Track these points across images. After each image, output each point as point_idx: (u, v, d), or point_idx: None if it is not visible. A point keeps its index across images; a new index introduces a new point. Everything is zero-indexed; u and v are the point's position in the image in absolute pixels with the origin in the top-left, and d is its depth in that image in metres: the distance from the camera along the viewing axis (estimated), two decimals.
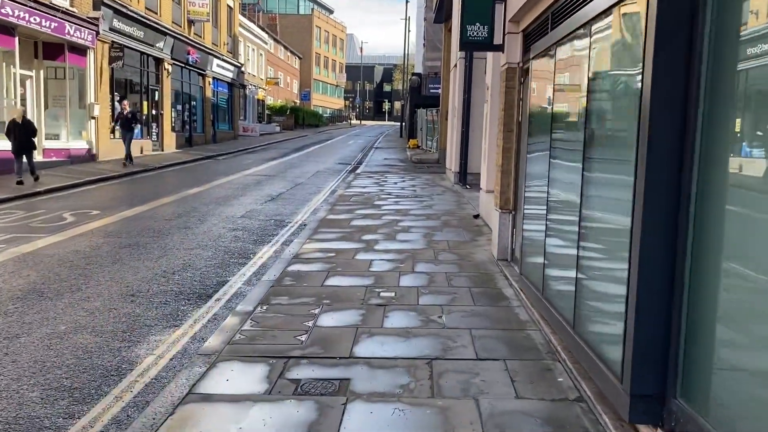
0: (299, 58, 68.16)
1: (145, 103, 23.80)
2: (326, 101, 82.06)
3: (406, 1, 54.76)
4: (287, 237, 9.26)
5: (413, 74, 38.52)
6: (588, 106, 3.99)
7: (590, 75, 3.97)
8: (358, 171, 20.66)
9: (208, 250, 8.24)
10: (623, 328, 3.23)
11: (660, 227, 3.00)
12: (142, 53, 23.16)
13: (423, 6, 50.91)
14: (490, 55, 10.37)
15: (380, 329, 4.92)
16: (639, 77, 3.11)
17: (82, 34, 18.32)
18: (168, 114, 25.62)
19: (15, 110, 14.47)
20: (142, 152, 23.03)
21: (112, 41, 20.21)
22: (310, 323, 5.04)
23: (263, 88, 50.27)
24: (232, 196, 13.77)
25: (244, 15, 46.66)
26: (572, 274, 4.20)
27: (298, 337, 4.71)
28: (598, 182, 3.87)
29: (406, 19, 53.04)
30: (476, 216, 10.57)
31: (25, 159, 13.85)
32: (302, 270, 6.83)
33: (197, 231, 9.56)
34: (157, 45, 24.06)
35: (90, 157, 19.28)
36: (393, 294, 5.87)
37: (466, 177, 15.60)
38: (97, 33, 19.14)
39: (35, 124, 14.70)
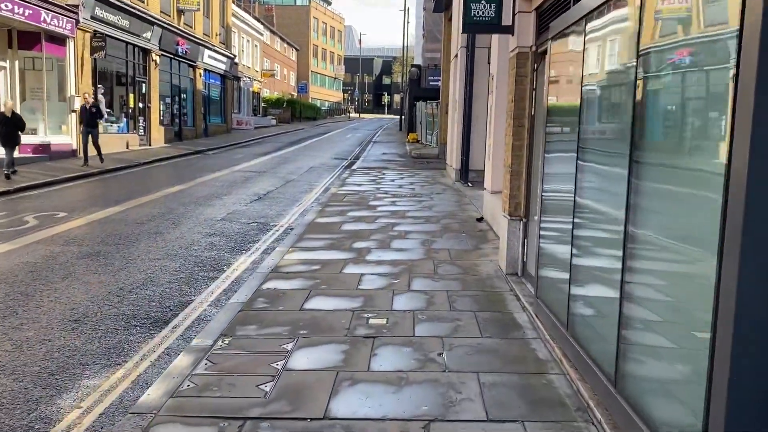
0: (296, 49, 66.98)
1: (131, 96, 22.76)
2: (324, 94, 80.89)
3: None
4: (269, 244, 8.28)
5: (412, 66, 37.47)
6: (639, 95, 3.01)
7: (642, 50, 2.98)
8: (354, 167, 19.67)
9: (177, 261, 7.27)
10: (704, 394, 2.27)
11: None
12: (127, 43, 22.09)
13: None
14: (495, 40, 9.37)
15: (366, 373, 3.95)
16: (730, 45, 2.13)
17: (60, 22, 17.26)
18: (156, 107, 24.58)
19: (7, 103, 14.15)
20: (128, 147, 22.03)
21: (94, 30, 19.15)
22: (279, 364, 4.07)
23: (258, 81, 49.17)
24: (216, 195, 12.78)
25: (238, 5, 45.53)
26: (613, 308, 3.23)
27: (262, 387, 3.74)
28: (654, 194, 2.90)
29: (405, 10, 51.90)
30: (480, 219, 9.60)
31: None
32: (280, 288, 5.86)
33: (169, 237, 8.58)
34: (144, 35, 23.00)
35: (71, 153, 18.25)
36: (384, 321, 4.90)
37: (468, 174, 14.61)
38: (77, 21, 18.08)
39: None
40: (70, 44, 18.13)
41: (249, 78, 45.44)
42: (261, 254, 7.70)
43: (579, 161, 3.92)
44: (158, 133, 24.79)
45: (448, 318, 4.99)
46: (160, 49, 24.55)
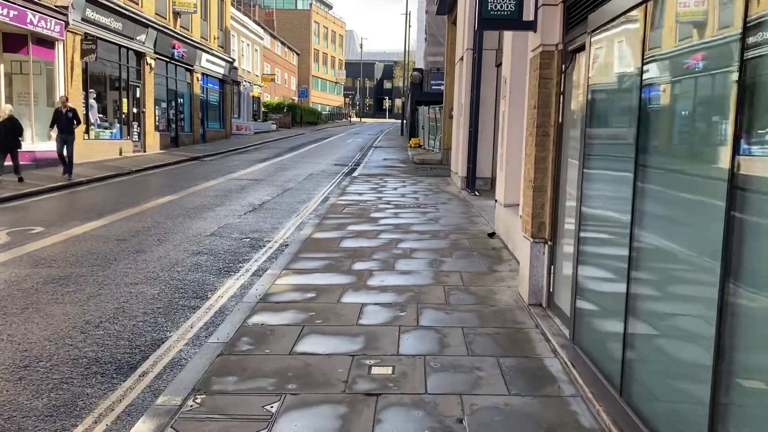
0: (297, 54, 66.35)
1: (125, 101, 22.02)
2: (325, 98, 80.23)
3: None
4: (261, 264, 7.49)
5: (414, 70, 36.75)
6: (745, 94, 2.22)
7: (752, 19, 2.19)
8: (355, 174, 18.90)
9: (156, 286, 6.48)
10: None
11: None
12: (120, 46, 21.37)
13: (424, 0, 49.19)
14: (507, 40, 8.60)
15: None
16: None
17: (49, 24, 16.54)
18: (151, 112, 23.84)
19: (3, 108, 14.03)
20: (121, 154, 21.29)
21: (85, 33, 18.43)
22: None
23: (259, 85, 48.48)
24: (208, 205, 12.00)
25: (238, 9, 44.90)
26: (701, 375, 2.44)
27: None
28: None
29: (406, 14, 51.23)
30: (491, 234, 8.80)
31: None
32: (268, 323, 5.07)
33: (151, 256, 7.79)
34: (138, 38, 22.27)
35: (60, 161, 17.46)
36: (390, 371, 4.10)
37: (475, 182, 13.83)
38: (67, 23, 17.35)
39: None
40: (59, 47, 17.39)
41: (249, 82, 44.75)
42: (251, 277, 6.92)
43: (639, 182, 3.13)
44: (153, 139, 24.05)
45: (467, 366, 4.19)
46: (156, 53, 23.83)
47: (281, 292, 5.95)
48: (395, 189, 14.81)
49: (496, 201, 9.27)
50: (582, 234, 4.18)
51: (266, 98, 53.74)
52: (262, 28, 49.87)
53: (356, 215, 10.64)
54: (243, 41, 42.99)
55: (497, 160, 9.10)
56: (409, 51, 56.42)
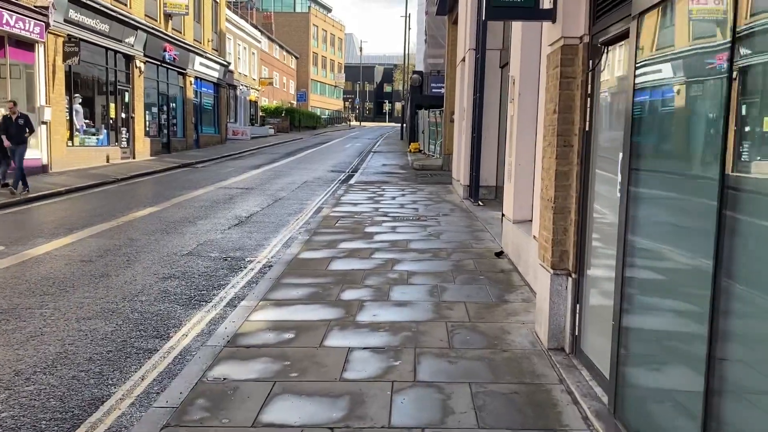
0: (296, 57, 65.58)
1: (112, 106, 21.16)
2: (324, 102, 79.44)
3: None
4: (237, 291, 6.59)
5: (414, 72, 35.91)
6: None
7: None
8: (351, 181, 18.01)
9: (113, 321, 5.57)
10: None
11: None
12: (108, 49, 20.52)
13: (424, 2, 48.32)
14: (516, 34, 7.71)
15: None
16: None
17: (27, 25, 15.68)
18: (141, 117, 22.97)
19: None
20: (108, 161, 20.42)
21: (68, 34, 17.57)
22: None
23: (256, 89, 47.65)
24: (190, 219, 11.09)
25: (235, 12, 44.11)
26: None
27: None
28: None
29: (406, 15, 50.44)
30: (499, 254, 7.88)
31: None
32: (232, 377, 4.16)
33: (115, 282, 6.89)
34: (127, 40, 21.42)
35: (41, 168, 16.61)
36: None
37: (478, 191, 12.93)
38: (47, 25, 16.49)
39: None
40: (40, 49, 16.53)
41: (246, 86, 43.93)
42: (224, 308, 6.01)
43: (728, 212, 2.22)
44: (143, 146, 23.18)
45: None
46: (145, 56, 22.98)
47: (254, 331, 5.04)
48: (393, 198, 13.91)
49: (503, 215, 8.36)
50: (629, 272, 3.28)
51: (264, 102, 52.93)
52: (260, 31, 49.07)
53: (350, 230, 9.73)
54: (239, 44, 42.18)
55: (505, 170, 8.21)
56: (408, 54, 55.61)
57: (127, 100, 22.14)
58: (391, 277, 6.79)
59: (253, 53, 46.50)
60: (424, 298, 6.00)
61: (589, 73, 4.23)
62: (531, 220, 7.34)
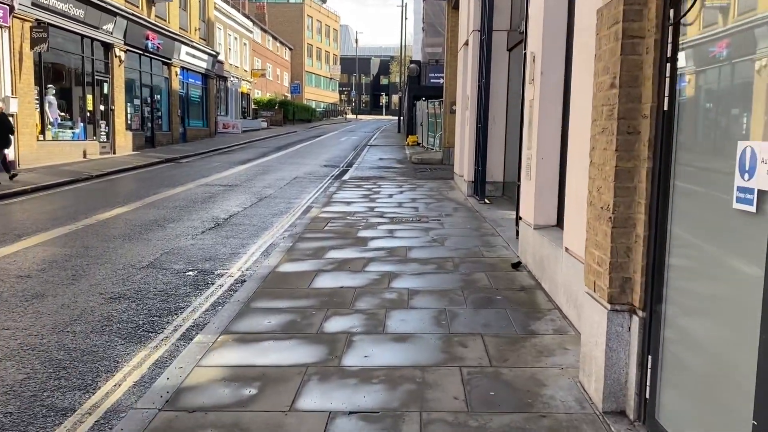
0: (290, 49, 64.07)
1: (89, 97, 19.78)
2: (319, 95, 77.96)
3: None
4: (196, 318, 5.32)
5: (411, 62, 34.55)
6: None
7: None
8: (346, 177, 16.74)
9: (26, 365, 4.30)
10: None
11: None
12: (84, 36, 19.14)
13: None
14: (536, 5, 6.42)
15: None
16: None
17: None
18: (121, 109, 21.62)
19: None
20: (85, 156, 19.09)
21: (36, 19, 16.19)
22: None
23: (248, 81, 46.23)
24: (161, 221, 9.81)
25: (226, 2, 42.67)
26: None
27: None
28: None
29: (402, 4, 49.02)
30: (516, 265, 6.62)
31: None
32: None
33: (49, 305, 5.61)
34: (105, 27, 20.04)
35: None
36: None
37: (484, 188, 11.67)
38: (11, 8, 15.11)
39: None
40: (4, 35, 15.16)
41: (237, 78, 42.52)
42: (175, 343, 4.75)
43: None
44: (125, 140, 21.83)
45: None
46: (126, 44, 21.60)
47: (205, 384, 3.77)
48: (390, 196, 12.64)
49: (519, 218, 7.09)
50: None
51: (257, 95, 51.52)
52: (251, 21, 47.60)
53: (341, 234, 8.46)
54: (230, 34, 40.74)
55: (522, 165, 6.93)
56: (405, 46, 54.19)
57: (106, 91, 20.77)
58: (388, 297, 5.53)
59: (245, 44, 45.05)
60: (430, 328, 4.73)
61: (669, 28, 2.95)
62: (556, 225, 6.09)
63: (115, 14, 20.40)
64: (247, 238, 8.73)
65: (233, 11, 41.08)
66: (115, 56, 20.96)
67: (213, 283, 6.43)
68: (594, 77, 3.58)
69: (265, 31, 54.23)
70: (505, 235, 8.16)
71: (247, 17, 46.77)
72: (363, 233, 8.53)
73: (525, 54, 7.60)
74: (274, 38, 57.92)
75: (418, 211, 10.71)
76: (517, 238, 7.79)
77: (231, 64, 41.04)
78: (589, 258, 3.63)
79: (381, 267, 6.61)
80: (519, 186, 7.67)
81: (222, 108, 38.69)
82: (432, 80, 31.06)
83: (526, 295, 5.60)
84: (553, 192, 6.16)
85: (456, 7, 19.60)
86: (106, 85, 20.73)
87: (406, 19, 53.88)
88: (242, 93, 44.89)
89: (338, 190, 13.50)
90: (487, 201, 11.52)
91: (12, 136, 13.84)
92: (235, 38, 42.16)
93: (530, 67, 6.48)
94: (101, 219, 9.95)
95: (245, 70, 45.46)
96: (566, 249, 4.99)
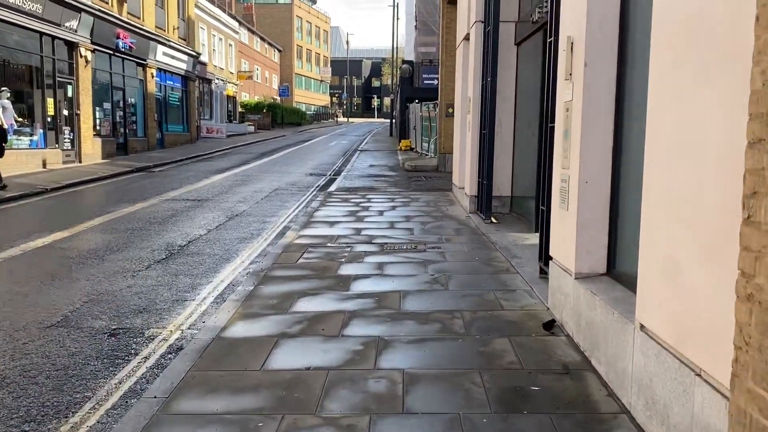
0: (279, 50, 62.32)
1: (50, 101, 17.96)
2: (310, 97, 76.20)
3: None
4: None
5: (404, 62, 32.90)
6: None
7: None
8: (332, 188, 15.04)
9: None
10: None
11: None
12: (43, 34, 17.34)
13: None
14: None
15: None
16: None
17: None
18: (88, 114, 19.80)
19: None
20: (45, 166, 17.29)
21: None
22: None
23: (234, 83, 44.44)
24: (102, 251, 8.06)
25: (212, 2, 40.89)
26: None
27: None
28: None
29: (394, 2, 47.40)
30: (549, 324, 4.90)
31: None
32: None
33: None
34: (67, 24, 18.25)
35: None
36: None
37: (490, 204, 9.99)
38: None
39: None
40: None
41: (222, 80, 40.74)
42: None
43: None
44: (92, 147, 20.02)
45: None
46: (93, 43, 19.81)
47: None
48: (381, 213, 10.93)
49: (549, 257, 5.39)
50: None
51: (245, 98, 49.75)
52: (238, 21, 45.84)
53: (317, 271, 6.74)
54: (215, 35, 38.97)
55: (554, 189, 5.22)
56: (397, 48, 52.55)
57: (70, 94, 18.96)
58: (374, 390, 3.80)
59: (231, 45, 43.27)
60: None
61: None
62: (606, 274, 4.41)
63: (79, 10, 18.61)
64: (202, 275, 6.99)
65: (217, 11, 39.32)
66: (81, 56, 19.16)
67: (136, 354, 4.70)
68: (754, 58, 1.89)
69: (252, 32, 52.48)
70: (525, 272, 6.47)
71: (233, 17, 45.01)
72: (345, 269, 6.81)
73: (551, 43, 5.93)
74: (262, 40, 56.16)
75: (414, 234, 9.01)
76: (541, 276, 6.11)
77: (216, 66, 39.27)
78: (745, 401, 1.93)
79: (366, 328, 4.89)
80: (544, 212, 5.98)
81: (206, 111, 36.93)
82: (426, 81, 29.44)
83: (573, 383, 3.89)
84: (603, 229, 4.48)
85: (452, 1, 17.96)
86: (70, 88, 18.92)
87: (398, 19, 52.28)
88: (228, 96, 43.11)
89: (322, 206, 11.78)
90: (493, 220, 9.85)
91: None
92: (220, 39, 40.39)
93: (565, 57, 4.79)
94: (28, 249, 8.18)
95: (231, 72, 43.68)
96: (641, 326, 3.30)
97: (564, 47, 4.78)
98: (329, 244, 8.16)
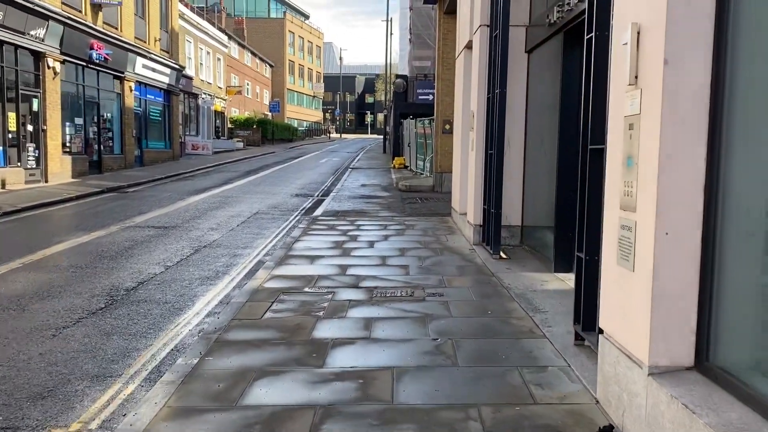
0: (270, 66, 61.11)
1: (11, 115, 16.47)
2: (302, 113, 74.96)
3: None
4: None
5: (398, 77, 31.66)
6: None
7: None
8: (318, 211, 13.59)
9: None
10: None
11: None
12: (4, 43, 15.91)
13: (406, 8, 44.16)
14: None
15: None
16: None
17: None
18: (56, 130, 18.31)
19: None
20: (4, 187, 15.75)
21: None
22: None
23: (222, 98, 43.08)
24: (27, 297, 6.54)
25: (200, 15, 39.67)
26: None
27: None
28: None
29: (387, 8, 46.35)
30: (607, 431, 3.43)
31: None
32: None
33: None
34: (33, 32, 16.83)
35: None
36: None
37: (499, 237, 8.54)
38: None
39: None
40: None
41: (209, 95, 39.38)
42: None
43: None
44: (60, 166, 18.50)
45: None
46: (63, 53, 18.38)
47: None
48: (372, 245, 9.47)
49: (601, 332, 3.93)
50: None
51: (234, 113, 48.39)
52: (227, 35, 44.61)
53: (286, 333, 5.26)
54: (202, 48, 37.69)
55: (607, 238, 3.77)
56: (390, 64, 51.47)
57: (36, 108, 17.49)
58: None
59: (219, 59, 41.98)
60: None
61: None
62: (694, 367, 2.96)
63: (46, 17, 17.21)
64: (141, 335, 5.49)
65: (205, 23, 38.07)
66: (48, 67, 17.71)
67: None
68: None
69: (243, 46, 51.27)
70: (555, 336, 5.01)
71: (222, 31, 43.78)
72: (323, 329, 5.32)
73: (591, 39, 4.53)
74: (253, 54, 54.96)
75: (409, 273, 7.54)
76: (577, 342, 4.66)
77: (203, 80, 37.94)
78: None
79: None
80: (582, 261, 4.56)
81: (192, 127, 35.52)
82: (420, 96, 28.14)
83: None
84: (691, 302, 3.04)
85: (449, 11, 16.70)
86: (35, 101, 17.45)
87: (391, 34, 51.24)
88: (216, 111, 41.74)
89: (304, 234, 10.32)
90: (503, 255, 8.41)
91: None
92: (208, 52, 39.10)
93: (629, 54, 3.37)
94: None
95: (219, 87, 42.34)
96: None
97: (626, 40, 3.36)
98: (306, 289, 6.69)
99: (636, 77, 3.28)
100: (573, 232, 7.60)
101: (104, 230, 10.92)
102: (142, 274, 7.74)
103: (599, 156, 4.45)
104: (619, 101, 3.55)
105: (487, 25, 9.06)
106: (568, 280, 7.07)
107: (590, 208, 4.51)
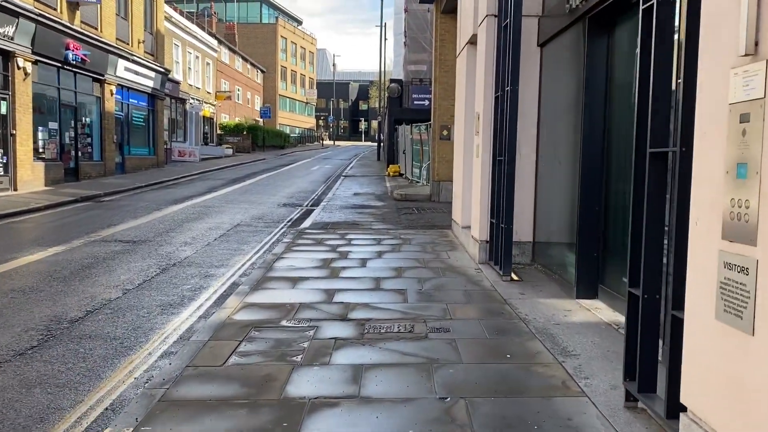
0: (262, 71, 60.06)
1: None
2: (294, 119, 73.86)
3: None
4: None
5: (392, 81, 30.65)
6: None
7: None
8: (306, 223, 12.48)
9: None
10: None
11: None
12: None
13: (400, 13, 43.28)
14: None
15: None
16: None
17: None
18: (28, 135, 17.13)
19: None
20: None
21: None
22: None
23: (211, 104, 41.95)
24: None
25: (191, 20, 38.62)
26: None
27: None
28: None
29: (381, 9, 45.52)
30: None
31: None
32: None
33: None
34: (1, 30, 15.68)
35: None
36: None
37: (510, 256, 7.42)
38: None
39: None
40: None
41: (198, 100, 38.25)
42: None
43: None
44: (32, 173, 17.31)
45: None
46: (35, 53, 17.23)
47: None
48: (364, 263, 8.35)
49: (683, 410, 2.82)
50: None
51: (224, 119, 47.25)
52: (217, 39, 43.54)
53: (250, 389, 4.12)
54: (190, 52, 36.58)
55: (689, 276, 2.69)
56: (385, 70, 50.49)
57: (4, 111, 16.30)
58: None
59: (208, 63, 40.87)
60: None
61: None
62: None
63: (16, 15, 16.07)
64: (73, 386, 4.34)
65: (194, 27, 36.99)
66: (18, 67, 16.55)
67: None
68: None
69: (233, 51, 50.20)
70: (596, 394, 3.89)
71: (212, 35, 42.72)
72: (298, 383, 4.18)
73: (651, 7, 3.45)
74: (245, 59, 53.90)
75: (407, 300, 6.42)
76: (628, 404, 3.55)
77: (191, 85, 36.82)
78: None
79: None
80: (639, 299, 3.46)
81: (179, 133, 34.35)
82: (416, 102, 27.13)
83: None
84: None
85: (447, 10, 15.70)
86: (3, 104, 16.27)
87: (386, 40, 50.29)
88: (205, 117, 40.59)
89: (288, 251, 9.19)
90: (514, 277, 7.31)
91: None
92: (197, 57, 38.00)
93: (745, 16, 2.27)
94: None
95: (208, 92, 41.22)
96: None
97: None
98: (284, 323, 5.55)
99: (756, 44, 2.18)
100: (599, 252, 6.55)
101: (65, 245, 9.75)
102: (94, 300, 6.59)
103: (662, 162, 3.36)
104: (718, 83, 2.45)
105: (495, 15, 8.00)
106: (594, 310, 5.99)
107: (649, 231, 3.41)
